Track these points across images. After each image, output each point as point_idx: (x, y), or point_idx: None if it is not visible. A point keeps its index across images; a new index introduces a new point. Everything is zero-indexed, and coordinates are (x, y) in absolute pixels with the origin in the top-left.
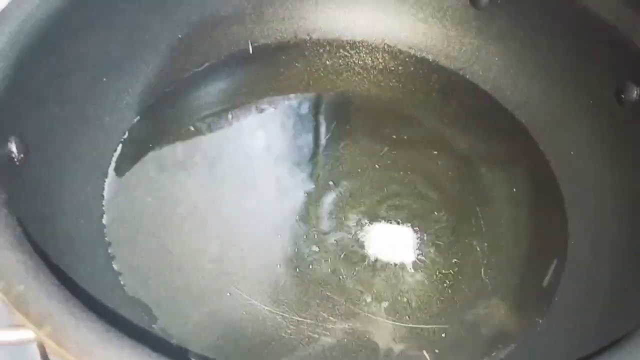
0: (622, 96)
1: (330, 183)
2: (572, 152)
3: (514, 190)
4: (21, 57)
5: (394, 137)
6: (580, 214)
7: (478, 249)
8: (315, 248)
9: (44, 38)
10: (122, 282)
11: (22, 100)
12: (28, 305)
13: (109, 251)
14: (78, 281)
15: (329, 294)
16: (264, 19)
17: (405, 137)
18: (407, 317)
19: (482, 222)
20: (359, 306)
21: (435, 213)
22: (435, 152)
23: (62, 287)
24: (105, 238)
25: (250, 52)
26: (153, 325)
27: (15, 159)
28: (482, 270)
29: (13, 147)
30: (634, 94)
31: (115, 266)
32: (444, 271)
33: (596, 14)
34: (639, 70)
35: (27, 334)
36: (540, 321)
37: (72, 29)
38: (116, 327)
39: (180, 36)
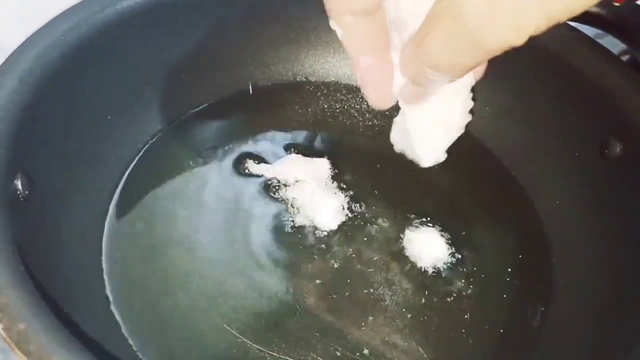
0: (606, 151)
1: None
2: (557, 202)
3: (501, 235)
4: (30, 97)
5: (382, 177)
6: (566, 261)
7: (463, 293)
8: (307, 287)
9: (53, 80)
10: (118, 321)
11: (30, 138)
12: (29, 344)
13: (107, 290)
14: (76, 319)
15: (317, 334)
16: (264, 62)
17: (392, 177)
18: (391, 357)
19: (467, 267)
20: (346, 348)
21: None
22: (425, 196)
23: (61, 327)
24: (104, 276)
25: (250, 92)
26: None
27: (20, 196)
28: (468, 314)
29: (19, 184)
30: (617, 149)
31: (112, 304)
32: (428, 316)
33: (582, 72)
34: (621, 127)
35: None
36: None
37: (79, 70)
38: None
39: (183, 77)
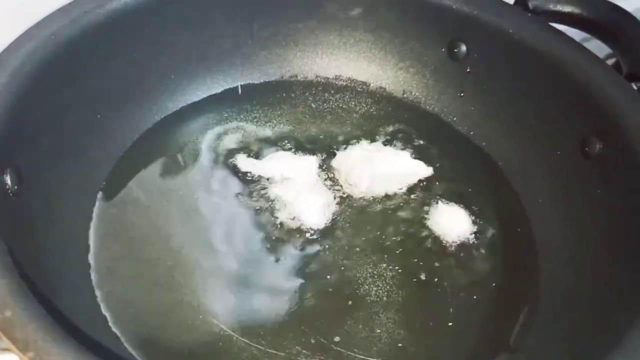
0: (586, 149)
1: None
2: (540, 200)
3: (488, 230)
4: (20, 95)
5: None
6: (551, 256)
7: (448, 288)
8: (295, 282)
9: (43, 77)
10: (103, 312)
11: (19, 135)
12: (14, 331)
13: (93, 282)
14: (62, 309)
15: (303, 327)
16: (253, 62)
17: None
18: (376, 352)
19: (452, 262)
20: (331, 341)
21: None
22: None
23: (47, 315)
24: (90, 269)
25: (240, 92)
26: (132, 353)
27: (9, 191)
28: (451, 310)
29: (8, 179)
30: (597, 147)
31: (98, 296)
32: (414, 310)
33: (565, 72)
34: (600, 126)
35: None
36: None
37: (69, 69)
38: (97, 354)
39: (172, 76)
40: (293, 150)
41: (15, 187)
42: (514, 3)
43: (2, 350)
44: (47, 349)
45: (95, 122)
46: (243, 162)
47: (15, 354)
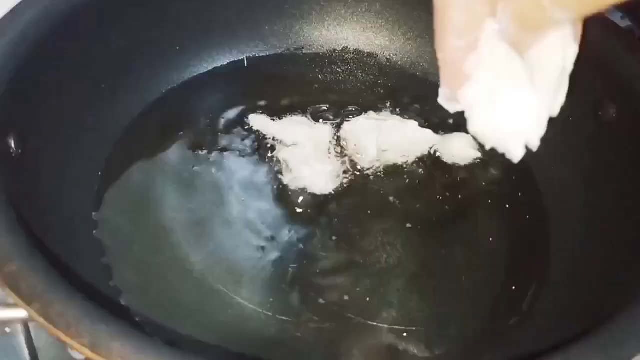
0: (600, 113)
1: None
2: (552, 167)
3: (499, 205)
4: (22, 62)
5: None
6: (563, 228)
7: (459, 255)
8: (302, 249)
9: (46, 44)
10: (110, 274)
11: (23, 101)
12: (19, 284)
13: (100, 243)
14: (66, 264)
15: (312, 294)
16: (258, 34)
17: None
18: (387, 319)
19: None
20: (341, 307)
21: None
22: (422, 164)
23: (51, 269)
24: (97, 230)
25: (245, 64)
26: (136, 319)
27: (13, 154)
28: (463, 277)
29: (12, 143)
30: (611, 112)
31: (104, 256)
32: (425, 278)
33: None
34: (615, 90)
35: (18, 312)
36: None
37: (72, 37)
38: (101, 306)
39: (177, 48)
40: (301, 124)
41: (19, 151)
42: None
43: (10, 306)
44: (52, 301)
45: (99, 91)
46: (257, 120)
47: (21, 306)
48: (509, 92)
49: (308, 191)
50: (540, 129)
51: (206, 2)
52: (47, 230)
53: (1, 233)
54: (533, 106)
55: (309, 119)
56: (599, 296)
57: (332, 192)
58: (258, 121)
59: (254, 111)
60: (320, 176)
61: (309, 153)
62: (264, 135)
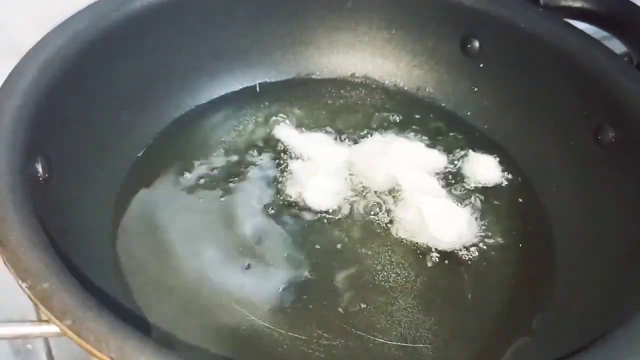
0: (599, 137)
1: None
2: (554, 189)
3: (504, 221)
4: (49, 87)
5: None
6: (567, 244)
7: (465, 276)
8: (313, 267)
9: (72, 70)
10: (129, 289)
11: (50, 124)
12: (52, 301)
13: (119, 261)
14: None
15: (323, 312)
16: (270, 60)
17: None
18: (396, 336)
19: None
20: (352, 325)
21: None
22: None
23: (80, 287)
24: (116, 249)
25: (257, 90)
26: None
27: (40, 178)
28: (469, 295)
29: (39, 167)
30: (609, 135)
31: (123, 274)
32: (432, 296)
33: (577, 63)
34: (613, 114)
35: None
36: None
37: (96, 65)
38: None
39: (192, 74)
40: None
41: (46, 175)
42: None
43: (41, 322)
44: (83, 317)
45: (119, 117)
46: (283, 130)
47: (54, 322)
48: None
49: (318, 209)
50: None
51: (220, 30)
52: (69, 249)
53: (34, 253)
54: None
55: (330, 136)
56: (600, 319)
57: (342, 211)
58: (283, 132)
59: (266, 135)
60: (320, 192)
61: (318, 169)
62: (284, 147)
